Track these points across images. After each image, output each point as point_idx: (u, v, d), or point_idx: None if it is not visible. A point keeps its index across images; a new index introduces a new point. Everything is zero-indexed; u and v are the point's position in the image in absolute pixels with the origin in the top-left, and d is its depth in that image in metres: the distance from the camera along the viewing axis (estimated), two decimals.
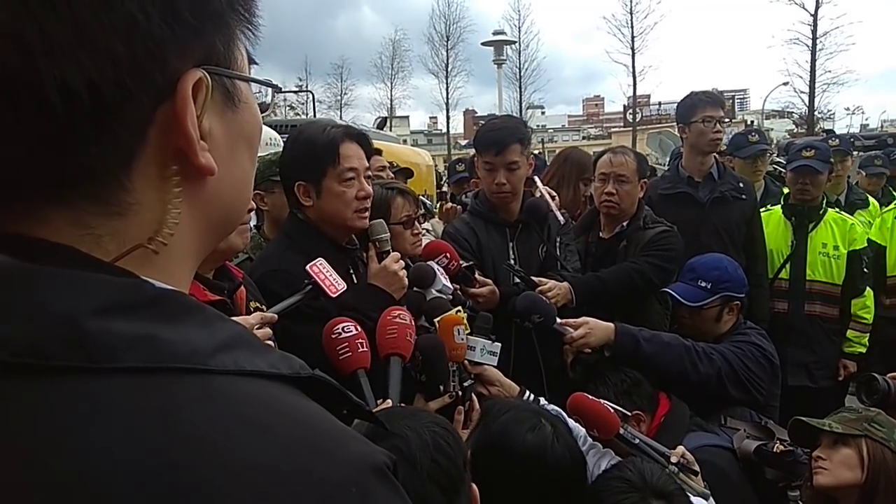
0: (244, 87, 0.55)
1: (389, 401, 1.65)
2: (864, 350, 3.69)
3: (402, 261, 2.15)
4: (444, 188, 5.88)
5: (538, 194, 2.95)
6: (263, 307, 1.96)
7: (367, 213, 2.14)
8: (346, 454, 0.45)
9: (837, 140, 5.24)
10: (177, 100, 0.48)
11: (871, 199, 5.16)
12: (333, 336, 1.74)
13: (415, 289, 2.13)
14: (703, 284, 2.61)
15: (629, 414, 2.09)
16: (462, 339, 1.95)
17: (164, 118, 0.48)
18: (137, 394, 0.42)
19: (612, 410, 1.90)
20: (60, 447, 0.39)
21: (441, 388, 1.84)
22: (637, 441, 1.85)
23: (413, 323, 1.85)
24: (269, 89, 0.67)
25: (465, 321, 2.05)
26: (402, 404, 1.68)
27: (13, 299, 0.43)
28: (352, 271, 2.18)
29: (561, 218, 2.83)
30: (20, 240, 0.46)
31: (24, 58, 0.42)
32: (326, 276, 1.85)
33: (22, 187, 0.46)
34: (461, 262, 2.41)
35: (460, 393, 1.87)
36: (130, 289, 0.46)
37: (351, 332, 1.75)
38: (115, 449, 0.39)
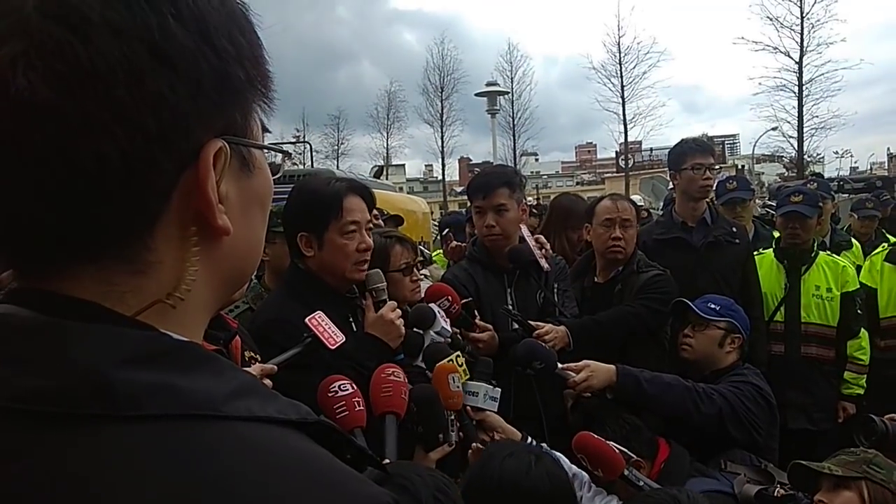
0: (258, 154, 0.59)
1: (387, 460, 1.65)
2: (861, 391, 3.68)
3: (398, 309, 2.17)
4: (445, 231, 6.01)
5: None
6: (258, 357, 1.97)
7: (365, 266, 2.16)
8: (356, 494, 0.49)
9: (816, 184, 5.36)
10: (199, 167, 0.52)
11: (854, 241, 5.28)
12: (330, 394, 1.74)
13: (414, 329, 2.15)
14: (713, 307, 2.74)
15: (634, 457, 2.08)
16: (457, 387, 1.95)
17: (187, 183, 0.52)
18: (160, 439, 0.45)
19: (617, 451, 1.90)
20: (96, 491, 0.42)
21: (441, 437, 1.84)
22: (641, 483, 1.85)
23: (406, 380, 1.86)
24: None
25: (464, 366, 2.06)
26: None
27: (45, 353, 0.47)
28: (352, 319, 2.20)
29: (546, 265, 2.85)
30: (50, 297, 0.50)
31: (65, 131, 0.46)
32: (325, 328, 1.87)
33: (55, 248, 0.50)
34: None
35: (462, 436, 1.86)
36: (150, 341, 0.50)
37: (347, 390, 1.75)
38: (146, 489, 0.42)
